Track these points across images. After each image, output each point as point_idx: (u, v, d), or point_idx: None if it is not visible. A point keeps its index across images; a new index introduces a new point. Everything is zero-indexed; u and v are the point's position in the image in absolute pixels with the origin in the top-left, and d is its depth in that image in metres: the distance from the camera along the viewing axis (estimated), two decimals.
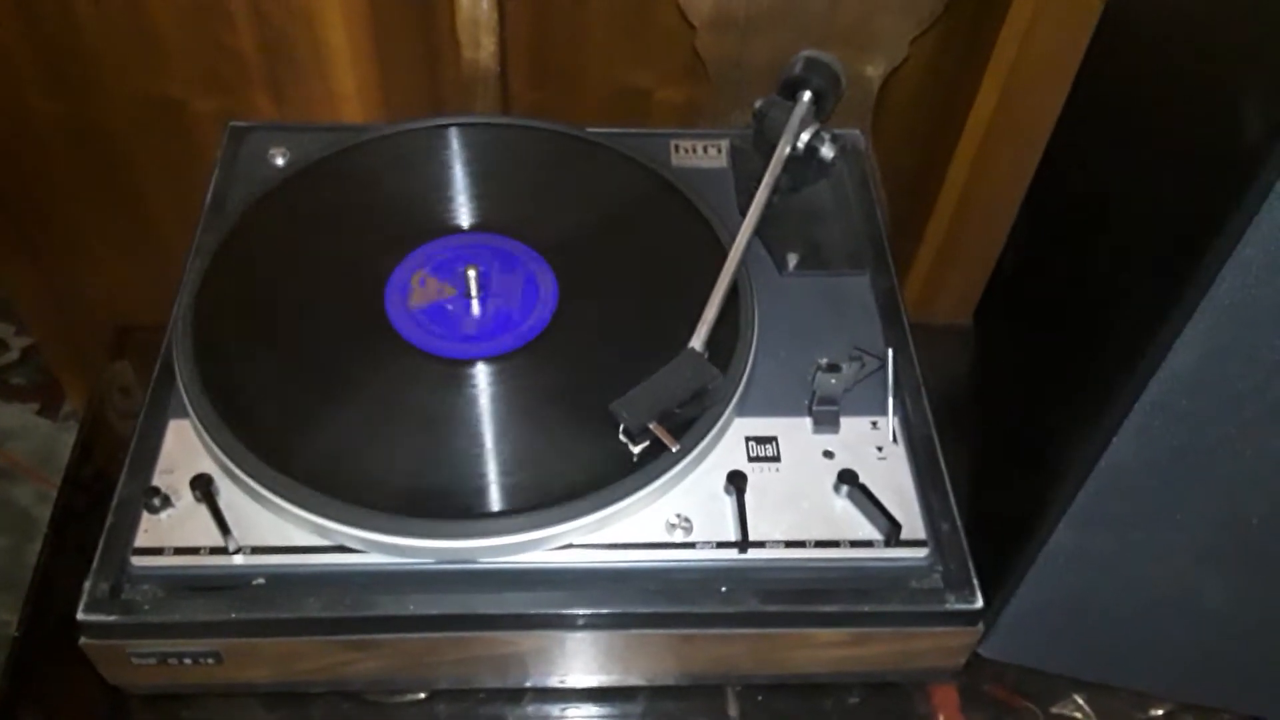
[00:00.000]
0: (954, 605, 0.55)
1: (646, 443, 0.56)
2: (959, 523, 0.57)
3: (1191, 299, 0.44)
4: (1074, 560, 0.56)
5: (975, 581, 0.55)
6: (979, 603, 0.55)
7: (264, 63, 0.85)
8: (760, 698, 0.63)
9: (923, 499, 0.57)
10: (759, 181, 0.66)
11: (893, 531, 0.55)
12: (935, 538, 0.56)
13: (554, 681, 0.60)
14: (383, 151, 0.70)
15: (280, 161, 0.71)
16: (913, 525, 0.56)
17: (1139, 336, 0.47)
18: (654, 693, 0.63)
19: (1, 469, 1.15)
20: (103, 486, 0.55)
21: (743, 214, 0.65)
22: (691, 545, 0.55)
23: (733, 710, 0.63)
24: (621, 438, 0.56)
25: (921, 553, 0.55)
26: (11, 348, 1.33)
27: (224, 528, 0.53)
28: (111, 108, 0.88)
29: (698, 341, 0.58)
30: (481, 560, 0.54)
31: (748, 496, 0.56)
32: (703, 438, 0.57)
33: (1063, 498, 0.53)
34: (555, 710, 0.62)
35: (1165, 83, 0.54)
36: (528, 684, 0.60)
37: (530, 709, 0.62)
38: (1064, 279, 0.63)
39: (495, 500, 0.54)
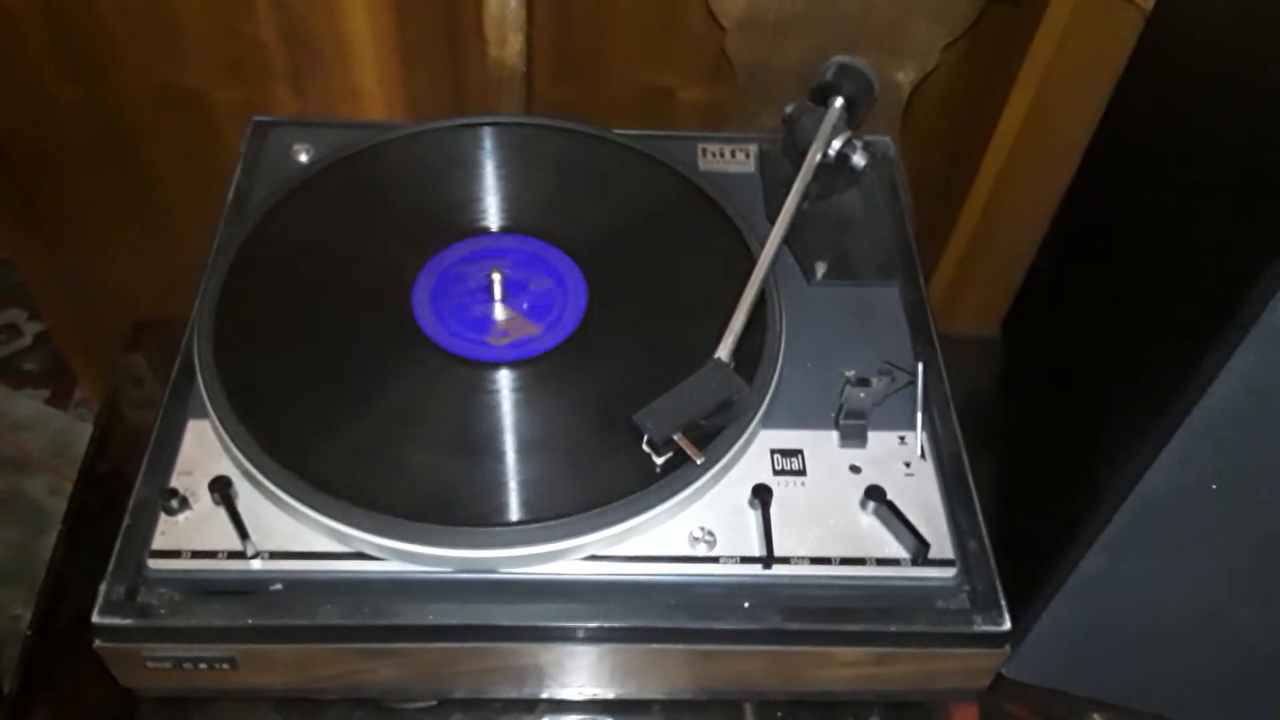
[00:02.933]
0: (981, 627, 0.54)
1: (670, 454, 0.55)
2: (987, 542, 0.56)
3: (1240, 326, 0.43)
4: (1103, 583, 0.55)
5: (1003, 603, 0.54)
6: (1006, 625, 0.54)
7: (285, 54, 0.84)
8: (779, 714, 0.62)
9: (950, 517, 0.56)
10: (788, 188, 0.65)
11: (921, 550, 0.54)
12: (963, 557, 0.55)
13: (570, 694, 0.59)
14: (410, 150, 0.69)
15: (304, 158, 0.70)
16: (940, 544, 0.55)
17: (1183, 361, 0.46)
18: (669, 706, 0.62)
19: (14, 461, 1.15)
20: (118, 483, 0.55)
21: (771, 221, 0.64)
22: (715, 559, 0.54)
23: None
24: (645, 448, 0.55)
25: (949, 572, 0.55)
26: (24, 333, 1.32)
27: (242, 532, 0.52)
28: (130, 96, 0.87)
29: (724, 351, 0.58)
30: (502, 570, 0.53)
31: (772, 511, 0.55)
32: (728, 450, 0.56)
33: (1096, 522, 0.52)
34: None
35: (1214, 98, 0.53)
36: (543, 695, 0.60)
37: (545, 719, 0.61)
38: (1101, 295, 0.62)
39: (517, 509, 0.54)
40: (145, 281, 0.98)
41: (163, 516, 0.54)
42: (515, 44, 0.79)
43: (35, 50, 0.84)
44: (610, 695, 0.60)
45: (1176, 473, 0.48)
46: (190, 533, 0.53)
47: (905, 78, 0.80)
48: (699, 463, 0.54)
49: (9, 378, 1.27)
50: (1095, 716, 0.66)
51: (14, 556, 1.06)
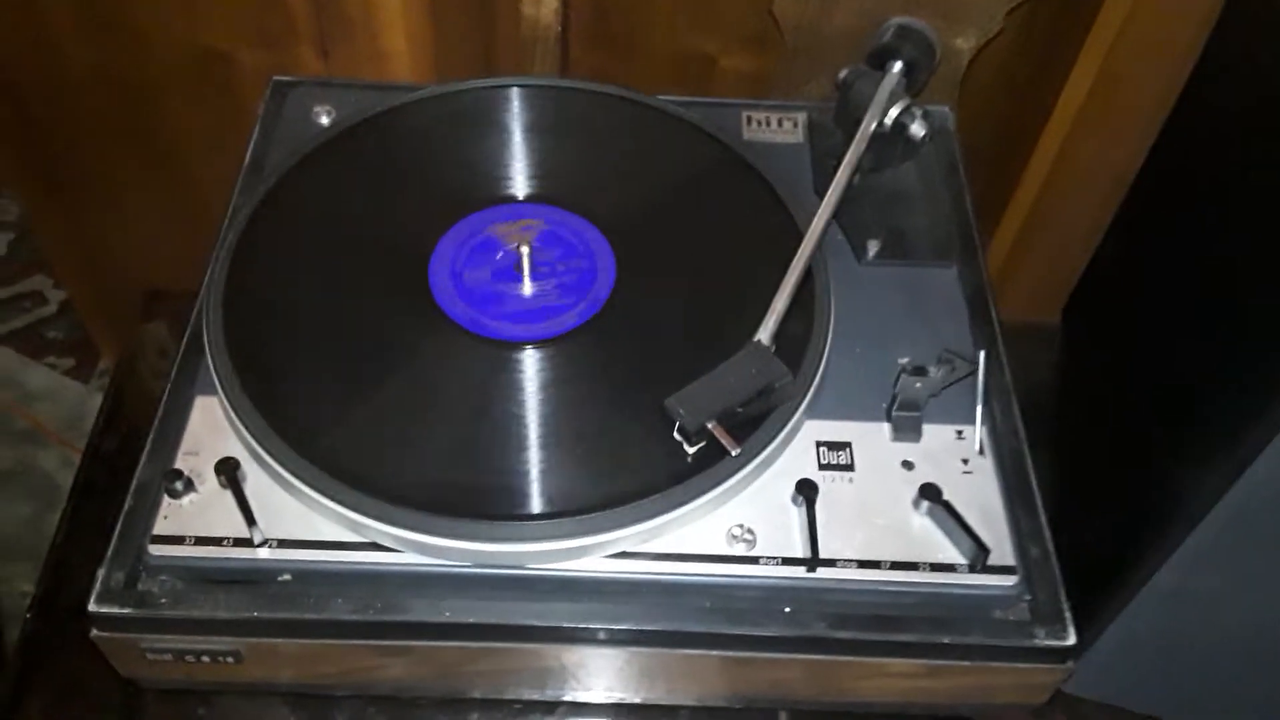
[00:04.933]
0: (1043, 641, 0.50)
1: (703, 444, 0.51)
2: (1050, 548, 0.52)
3: None
4: (1175, 598, 0.51)
5: (1068, 615, 0.50)
6: (1071, 639, 0.50)
7: (311, 15, 0.81)
8: None
9: (1011, 520, 0.52)
10: (839, 159, 0.61)
11: (979, 556, 0.50)
12: (1024, 564, 0.51)
13: (594, 697, 0.56)
14: (435, 112, 0.66)
15: (325, 120, 0.67)
16: (1000, 549, 0.51)
17: None
18: (698, 712, 0.58)
19: (27, 432, 1.13)
20: (126, 460, 0.52)
21: (819, 195, 0.61)
22: (754, 560, 0.51)
23: None
24: (676, 436, 0.51)
25: (1009, 580, 0.50)
26: (49, 301, 1.31)
27: (249, 518, 0.49)
28: (150, 58, 0.85)
29: (765, 334, 0.54)
30: (525, 566, 0.50)
31: (817, 509, 0.51)
32: (769, 441, 0.52)
33: (1174, 532, 0.48)
34: None
35: None
36: (565, 697, 0.56)
37: None
38: (1187, 284, 0.57)
39: (542, 501, 0.50)
40: (166, 249, 0.96)
41: (166, 499, 0.51)
42: (550, 3, 0.75)
43: (55, 10, 0.82)
44: (637, 699, 0.56)
45: (1271, 482, 0.43)
46: (194, 517, 0.50)
47: (965, 44, 0.75)
48: (735, 454, 0.50)
49: (32, 346, 1.25)
50: None
51: (24, 532, 1.04)
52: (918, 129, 0.61)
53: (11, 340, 1.25)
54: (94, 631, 0.49)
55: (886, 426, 0.55)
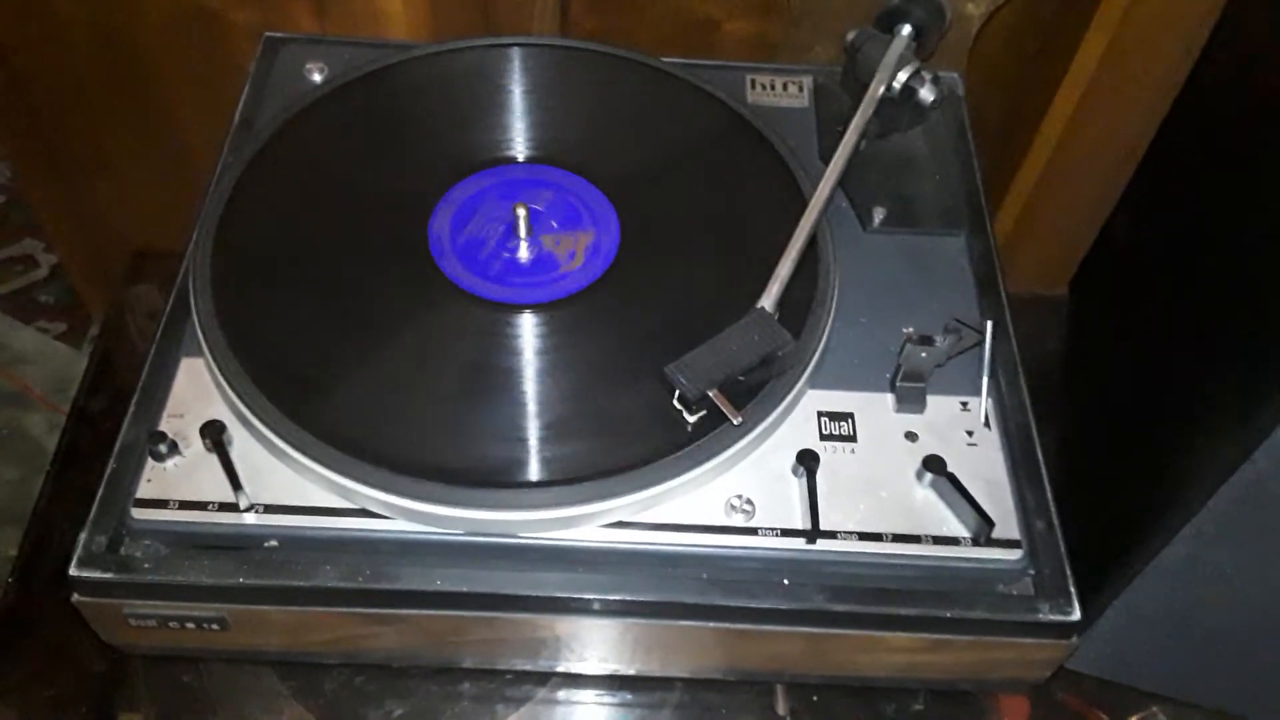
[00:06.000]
0: (1047, 616, 0.48)
1: (704, 412, 0.50)
2: (1056, 522, 0.50)
3: None
4: (1186, 572, 0.50)
5: (1073, 590, 0.49)
6: (1076, 614, 0.49)
7: None
8: (815, 697, 0.57)
9: (1017, 493, 0.51)
10: (845, 124, 0.59)
11: (984, 529, 0.49)
12: (1029, 538, 0.50)
13: (587, 668, 0.55)
14: (431, 71, 0.65)
15: (317, 78, 0.66)
16: (1005, 523, 0.50)
17: None
18: (693, 684, 0.57)
19: (14, 395, 1.11)
20: (112, 424, 0.50)
21: (825, 160, 0.59)
22: (753, 531, 0.49)
23: (781, 708, 0.58)
24: (676, 404, 0.50)
25: (1014, 555, 0.49)
26: (41, 264, 1.29)
27: (235, 482, 0.48)
28: (141, 14, 0.83)
29: (768, 301, 0.52)
30: (518, 535, 0.49)
31: (818, 480, 0.50)
32: (770, 411, 0.51)
33: (1185, 506, 0.46)
34: (588, 695, 0.58)
35: None
36: (559, 668, 0.55)
37: (560, 694, 0.57)
38: (1199, 256, 0.56)
39: (537, 469, 0.49)
40: (158, 211, 0.94)
41: (150, 462, 0.49)
42: None
43: None
44: (630, 671, 0.55)
45: None
46: (179, 481, 0.49)
47: (975, 9, 0.73)
48: (736, 423, 0.49)
49: (23, 310, 1.24)
50: (1155, 709, 0.61)
51: (11, 495, 1.03)
52: (927, 93, 0.60)
53: (2, 304, 1.23)
54: (75, 596, 0.48)
55: (890, 397, 0.54)
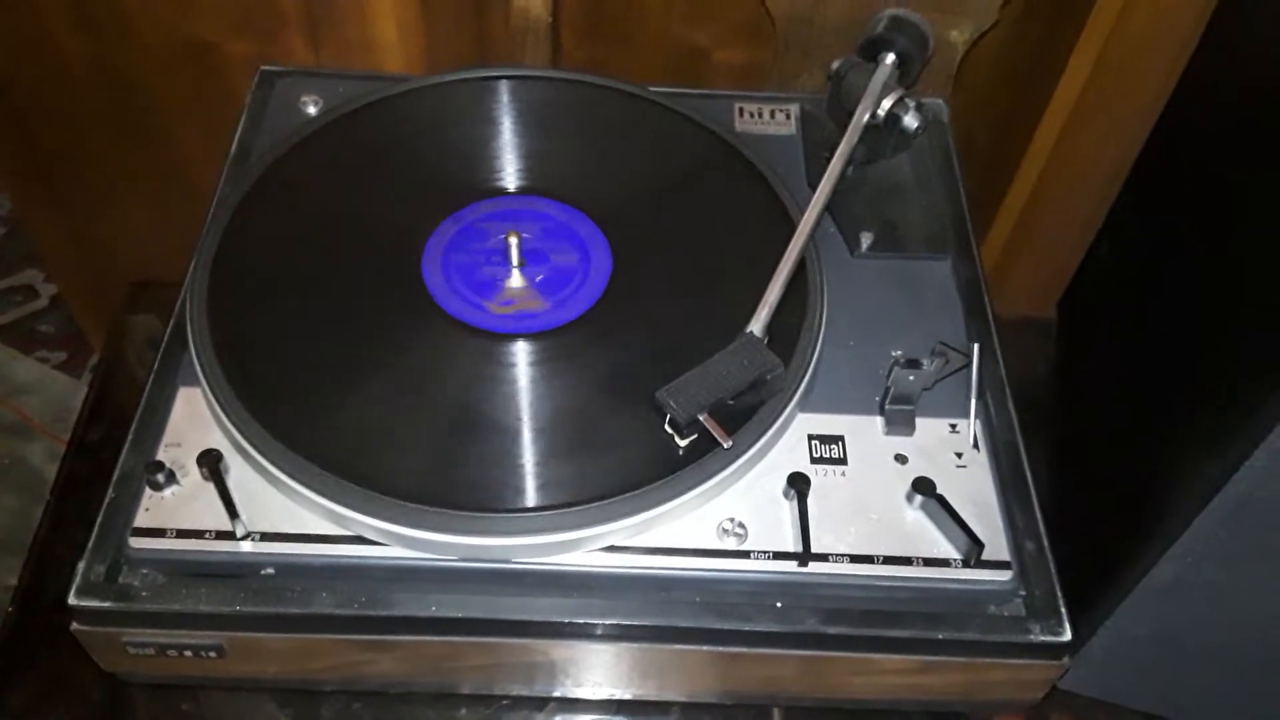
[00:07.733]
0: (1038, 637, 0.49)
1: (694, 436, 0.50)
2: (1046, 543, 0.51)
3: None
4: (1176, 592, 0.50)
5: (1064, 611, 0.49)
6: (1067, 635, 0.49)
7: (300, 5, 0.80)
8: None
9: (1006, 514, 0.52)
10: (831, 151, 0.60)
11: (974, 550, 0.49)
12: (1019, 559, 0.50)
13: (584, 692, 0.55)
14: (424, 103, 0.65)
15: (312, 110, 0.67)
16: (995, 544, 0.50)
17: None
18: (690, 709, 0.58)
19: (15, 426, 1.12)
20: (111, 453, 0.51)
21: (812, 186, 0.60)
22: (745, 554, 0.50)
23: None
24: (667, 429, 0.50)
25: (1004, 576, 0.50)
26: (40, 294, 1.30)
27: (232, 510, 0.49)
28: (140, 47, 0.84)
29: (757, 325, 0.53)
30: (512, 560, 0.49)
31: (809, 503, 0.50)
32: (761, 434, 0.52)
33: (1172, 526, 0.47)
34: None
35: None
36: (555, 693, 0.55)
37: (558, 719, 0.57)
38: (1183, 278, 0.56)
39: (530, 494, 0.49)
40: (157, 241, 0.95)
41: (148, 491, 0.50)
42: None
43: (44, 2, 0.81)
44: (627, 695, 0.56)
45: (1270, 475, 0.43)
46: (176, 510, 0.50)
47: (960, 36, 0.75)
48: (727, 446, 0.49)
49: (23, 340, 1.25)
50: None
51: (11, 524, 1.03)
52: (911, 120, 0.61)
53: (2, 334, 1.24)
54: (74, 625, 0.49)
55: (880, 420, 0.54)
